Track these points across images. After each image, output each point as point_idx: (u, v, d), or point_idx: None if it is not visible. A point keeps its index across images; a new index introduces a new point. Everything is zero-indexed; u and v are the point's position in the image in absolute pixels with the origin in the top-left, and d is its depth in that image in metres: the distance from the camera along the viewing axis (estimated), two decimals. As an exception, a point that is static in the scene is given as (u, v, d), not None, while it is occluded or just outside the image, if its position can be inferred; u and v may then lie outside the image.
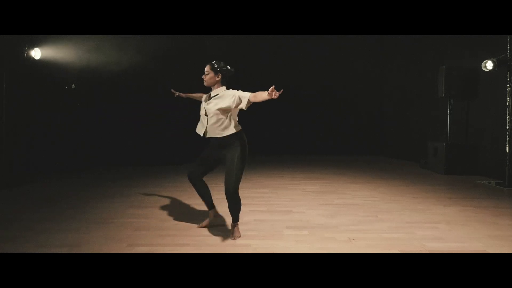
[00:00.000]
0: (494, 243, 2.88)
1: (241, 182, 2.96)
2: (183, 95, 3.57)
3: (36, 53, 6.07)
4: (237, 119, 3.03)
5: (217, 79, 2.97)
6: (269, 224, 3.36)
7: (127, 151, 8.09)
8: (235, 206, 3.01)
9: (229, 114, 2.92)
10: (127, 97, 8.20)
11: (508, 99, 5.38)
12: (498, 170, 5.81)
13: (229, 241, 2.87)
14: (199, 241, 2.88)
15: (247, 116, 8.61)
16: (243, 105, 2.80)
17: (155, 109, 7.94)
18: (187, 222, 3.40)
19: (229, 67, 3.03)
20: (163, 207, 3.98)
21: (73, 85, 7.01)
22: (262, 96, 2.65)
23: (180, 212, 3.77)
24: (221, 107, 2.87)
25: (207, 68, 2.98)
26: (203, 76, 3.00)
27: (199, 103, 3.22)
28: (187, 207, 4.02)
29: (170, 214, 3.68)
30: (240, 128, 3.01)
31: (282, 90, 2.51)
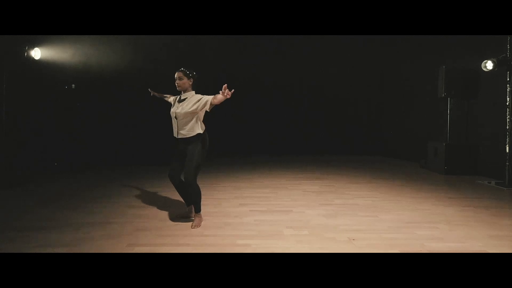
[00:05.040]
0: (494, 243, 2.87)
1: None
2: (157, 94, 3.85)
3: (36, 53, 6.07)
4: (202, 120, 3.32)
5: (190, 83, 3.28)
6: (269, 224, 3.36)
7: (127, 151, 8.10)
8: (195, 196, 3.29)
9: (196, 116, 3.22)
10: (127, 97, 8.21)
11: (508, 99, 5.38)
12: (498, 170, 5.81)
13: (229, 241, 2.87)
14: (199, 241, 2.88)
15: (248, 117, 8.64)
16: (206, 107, 3.13)
17: (155, 109, 7.94)
18: (187, 222, 3.40)
19: (195, 73, 3.32)
20: (163, 207, 3.97)
21: (73, 85, 7.01)
22: (219, 97, 2.99)
23: (180, 212, 3.77)
24: (188, 110, 3.17)
25: (180, 74, 3.25)
26: (177, 82, 3.25)
27: None
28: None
29: (170, 214, 3.68)
30: (204, 128, 3.31)
31: (233, 90, 2.84)
